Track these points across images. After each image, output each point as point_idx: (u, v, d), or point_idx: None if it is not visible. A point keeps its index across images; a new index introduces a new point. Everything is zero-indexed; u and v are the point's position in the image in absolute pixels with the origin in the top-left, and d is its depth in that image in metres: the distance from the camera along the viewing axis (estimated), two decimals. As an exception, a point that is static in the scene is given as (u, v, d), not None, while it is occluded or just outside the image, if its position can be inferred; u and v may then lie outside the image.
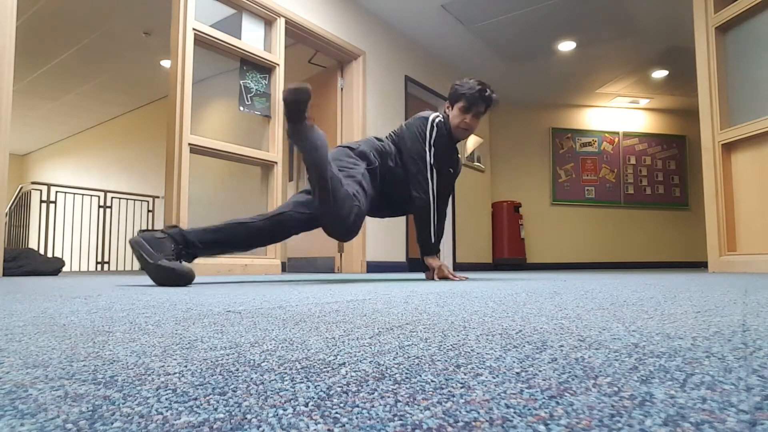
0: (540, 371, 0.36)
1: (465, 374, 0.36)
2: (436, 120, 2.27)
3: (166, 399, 0.31)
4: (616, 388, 0.32)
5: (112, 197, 7.20)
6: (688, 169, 7.81)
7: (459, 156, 2.46)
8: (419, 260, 2.35)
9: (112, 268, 7.16)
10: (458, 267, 5.85)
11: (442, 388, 0.32)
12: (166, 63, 6.12)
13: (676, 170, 7.82)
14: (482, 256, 6.59)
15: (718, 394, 0.30)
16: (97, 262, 7.09)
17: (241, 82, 3.71)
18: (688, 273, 3.56)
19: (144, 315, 0.77)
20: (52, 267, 3.45)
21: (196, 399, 0.31)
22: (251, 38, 3.81)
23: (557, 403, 0.29)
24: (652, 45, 5.65)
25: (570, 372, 0.36)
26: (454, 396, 0.31)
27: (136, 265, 6.88)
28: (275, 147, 3.85)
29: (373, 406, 0.29)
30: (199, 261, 3.34)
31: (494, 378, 0.35)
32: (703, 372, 0.35)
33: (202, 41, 3.45)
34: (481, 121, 2.34)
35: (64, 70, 6.43)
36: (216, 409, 0.29)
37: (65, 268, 4.59)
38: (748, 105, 3.24)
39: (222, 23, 3.66)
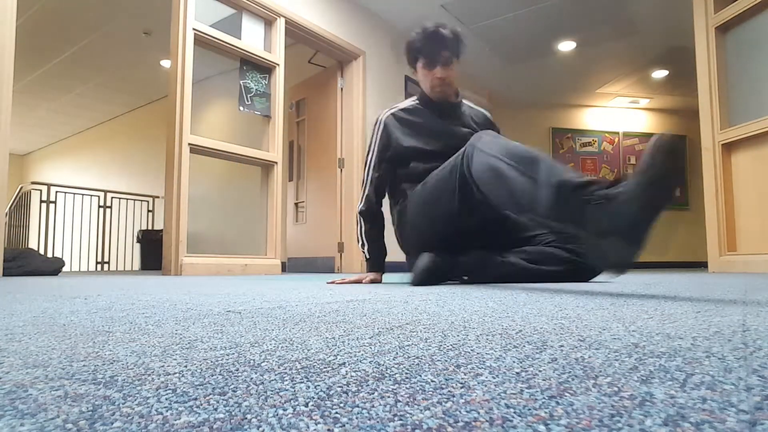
0: (540, 371, 0.36)
1: (465, 374, 0.36)
2: (382, 117, 1.99)
3: (166, 399, 0.31)
4: (616, 388, 0.31)
5: (112, 197, 7.20)
6: (688, 169, 7.80)
7: (468, 118, 1.99)
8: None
9: (112, 268, 7.15)
10: (458, 267, 5.82)
11: (442, 388, 0.32)
12: (166, 63, 6.12)
13: (676, 170, 7.82)
14: (482, 256, 6.57)
15: (718, 394, 0.30)
16: (97, 262, 7.09)
17: (241, 82, 3.71)
18: (688, 273, 3.55)
19: (144, 315, 0.77)
20: (52, 267, 3.45)
21: (196, 399, 0.31)
22: (251, 38, 3.81)
23: (557, 403, 0.29)
24: (652, 45, 5.64)
25: (570, 372, 0.36)
26: (454, 396, 0.31)
27: (137, 265, 6.88)
28: (275, 147, 3.85)
29: (373, 406, 0.29)
30: (199, 261, 3.36)
31: (494, 378, 0.35)
32: (703, 372, 0.35)
33: (202, 41, 3.45)
34: (456, 67, 1.83)
35: (64, 70, 6.42)
36: (216, 409, 0.29)
37: (65, 268, 4.58)
38: (748, 105, 3.23)
39: (222, 23, 3.66)
